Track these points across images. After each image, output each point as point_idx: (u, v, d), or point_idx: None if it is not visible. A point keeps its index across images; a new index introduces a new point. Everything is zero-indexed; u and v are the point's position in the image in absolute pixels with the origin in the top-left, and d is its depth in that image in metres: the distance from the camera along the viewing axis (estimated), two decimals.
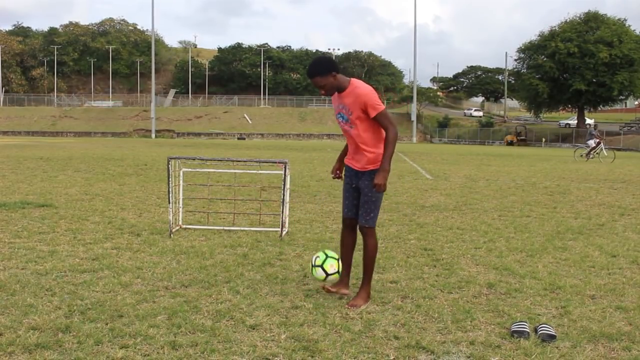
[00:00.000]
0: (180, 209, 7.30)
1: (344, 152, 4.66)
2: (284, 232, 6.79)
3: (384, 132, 4.26)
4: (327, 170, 16.79)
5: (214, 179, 12.54)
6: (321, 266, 4.38)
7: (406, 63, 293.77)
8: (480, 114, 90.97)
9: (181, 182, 7.55)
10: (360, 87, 4.24)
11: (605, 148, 28.24)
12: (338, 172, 4.71)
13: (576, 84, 60.42)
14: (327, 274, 4.36)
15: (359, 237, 4.49)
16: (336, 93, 4.34)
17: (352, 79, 4.31)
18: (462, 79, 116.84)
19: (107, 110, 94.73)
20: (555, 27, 64.41)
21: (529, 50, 65.94)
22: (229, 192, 10.61)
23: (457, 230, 7.39)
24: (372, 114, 4.21)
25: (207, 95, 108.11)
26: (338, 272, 4.40)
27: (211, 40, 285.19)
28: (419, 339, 3.50)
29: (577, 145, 43.95)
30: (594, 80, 60.95)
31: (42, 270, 4.92)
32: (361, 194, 4.38)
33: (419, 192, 11.74)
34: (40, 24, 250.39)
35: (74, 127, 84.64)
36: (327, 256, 4.41)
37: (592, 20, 62.91)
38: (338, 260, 4.44)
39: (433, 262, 5.59)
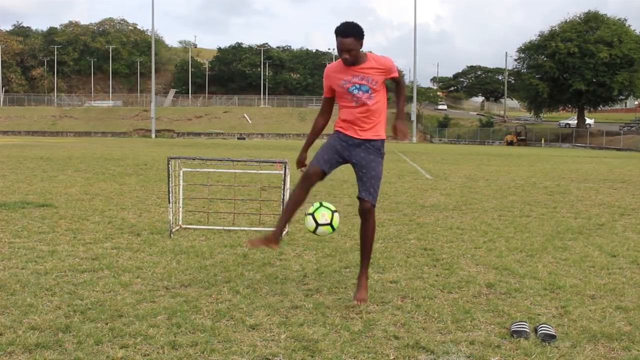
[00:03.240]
0: (180, 209, 7.30)
1: (311, 141, 4.47)
2: (283, 232, 6.78)
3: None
4: None
5: (214, 179, 12.54)
6: (312, 214, 4.16)
7: (406, 63, 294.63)
8: (445, 107, 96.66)
9: (181, 182, 7.54)
10: (381, 56, 4.26)
11: None
12: (304, 162, 4.43)
13: (576, 84, 60.43)
14: (318, 224, 4.16)
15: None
16: (340, 67, 4.20)
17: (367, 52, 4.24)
18: (462, 79, 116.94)
19: (107, 110, 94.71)
20: (555, 27, 64.48)
21: (529, 50, 65.99)
22: (229, 192, 10.61)
23: (457, 230, 7.39)
24: (397, 74, 4.26)
25: (207, 95, 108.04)
26: (331, 224, 4.15)
27: (211, 40, 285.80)
28: (419, 339, 3.50)
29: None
30: (594, 80, 60.96)
31: (42, 270, 4.92)
32: (366, 168, 4.16)
33: (418, 192, 11.73)
34: (40, 23, 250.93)
35: (74, 127, 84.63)
36: (321, 205, 4.17)
37: (592, 20, 62.93)
38: (333, 213, 4.18)
39: (433, 262, 5.59)
